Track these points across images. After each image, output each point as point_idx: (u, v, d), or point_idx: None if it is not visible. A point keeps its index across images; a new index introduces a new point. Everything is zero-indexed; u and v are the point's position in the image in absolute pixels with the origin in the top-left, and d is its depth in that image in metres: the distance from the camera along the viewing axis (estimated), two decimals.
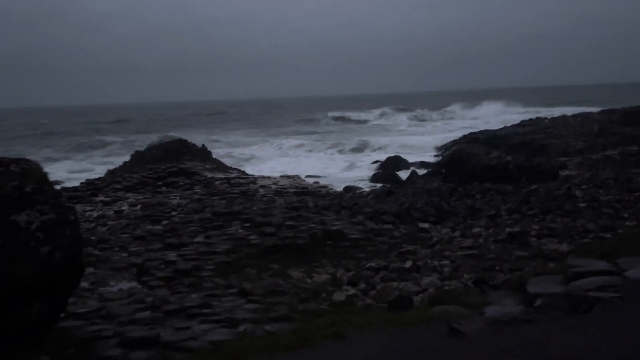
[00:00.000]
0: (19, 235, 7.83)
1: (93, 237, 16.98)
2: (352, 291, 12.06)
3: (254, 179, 27.65)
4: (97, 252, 15.59)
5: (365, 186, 28.63)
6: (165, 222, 19.04)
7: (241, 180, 27.08)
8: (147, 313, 10.48)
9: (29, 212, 8.00)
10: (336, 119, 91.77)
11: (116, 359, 7.76)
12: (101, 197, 23.93)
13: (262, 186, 25.65)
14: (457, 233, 17.27)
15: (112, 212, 21.29)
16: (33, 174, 8.53)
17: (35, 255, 7.86)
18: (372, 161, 39.15)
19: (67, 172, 38.19)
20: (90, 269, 13.54)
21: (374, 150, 46.93)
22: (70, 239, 8.28)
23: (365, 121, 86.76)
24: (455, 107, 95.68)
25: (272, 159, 44.54)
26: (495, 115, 75.95)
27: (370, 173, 33.95)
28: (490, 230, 17.37)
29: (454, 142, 43.54)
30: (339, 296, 11.64)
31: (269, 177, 28.70)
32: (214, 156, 34.32)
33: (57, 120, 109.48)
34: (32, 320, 8.06)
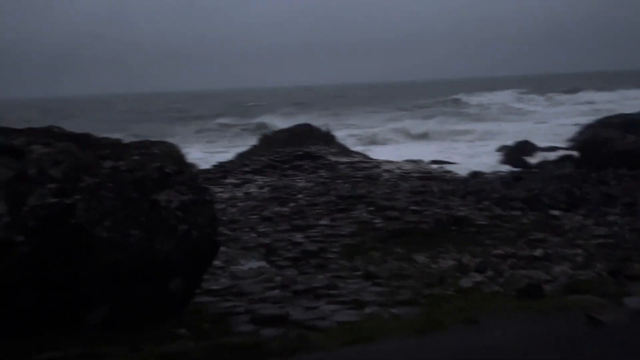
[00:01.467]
0: (159, 214, 8.26)
1: (224, 218, 17.63)
2: (479, 278, 11.87)
3: (377, 163, 27.67)
4: (228, 232, 16.19)
5: (492, 172, 27.91)
6: (292, 204, 19.48)
7: (365, 164, 27.18)
8: (276, 292, 10.81)
9: (168, 192, 8.42)
10: (454, 101, 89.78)
11: (248, 335, 8.03)
12: (231, 180, 24.78)
13: (385, 170, 25.63)
14: (590, 221, 16.57)
15: (241, 194, 22.02)
16: (172, 155, 8.96)
17: (174, 233, 8.27)
18: (498, 146, 38.09)
19: (201, 153, 39.66)
20: (222, 248, 14.08)
21: (500, 134, 45.63)
22: (206, 218, 8.65)
23: (489, 105, 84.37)
24: (586, 92, 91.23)
25: (395, 143, 44.33)
26: (633, 99, 71.77)
27: (497, 158, 33.07)
28: (627, 218, 16.52)
29: (588, 126, 41.54)
30: (465, 282, 11.49)
31: (392, 162, 28.61)
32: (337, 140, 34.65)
33: (200, 104, 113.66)
34: (171, 295, 8.51)
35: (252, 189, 22.83)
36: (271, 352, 5.19)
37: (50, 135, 8.67)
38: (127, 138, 10.94)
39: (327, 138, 33.36)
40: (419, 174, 25.14)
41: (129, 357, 6.53)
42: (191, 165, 9.33)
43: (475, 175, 26.59)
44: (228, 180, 24.66)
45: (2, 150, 7.94)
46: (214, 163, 29.40)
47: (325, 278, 11.85)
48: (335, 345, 5.42)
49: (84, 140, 8.82)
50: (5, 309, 7.62)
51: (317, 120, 39.77)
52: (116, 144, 9.16)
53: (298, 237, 15.45)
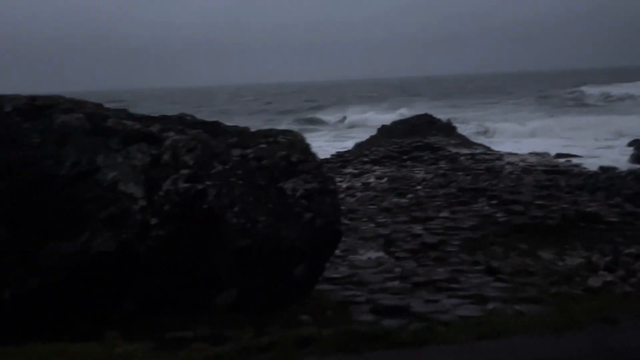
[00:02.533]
0: (285, 202, 8.43)
1: (343, 207, 17.74)
2: (609, 277, 11.31)
3: (499, 155, 26.94)
4: (347, 221, 16.28)
5: (624, 166, 26.50)
6: (410, 195, 19.33)
7: (486, 157, 26.54)
8: (396, 283, 10.77)
9: (294, 180, 8.57)
10: (577, 93, 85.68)
11: (369, 324, 8.06)
12: (350, 169, 24.92)
13: (508, 163, 24.92)
14: None
15: (360, 184, 22.09)
16: (298, 145, 9.11)
17: (299, 221, 8.41)
18: (630, 140, 36.08)
19: (322, 142, 40.06)
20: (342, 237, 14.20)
21: (633, 128, 43.19)
22: (330, 206, 8.74)
23: (618, 97, 79.93)
24: None
25: (517, 136, 43.02)
26: None
27: (630, 153, 31.36)
28: None
29: None
30: (594, 281, 10.98)
31: (515, 154, 27.78)
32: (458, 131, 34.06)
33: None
34: (295, 282, 8.67)
35: (371, 180, 22.84)
36: (400, 342, 5.17)
37: (183, 122, 9.03)
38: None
39: (447, 129, 32.86)
40: (544, 168, 24.26)
41: (255, 340, 6.70)
42: (316, 155, 9.44)
43: (605, 170, 25.34)
44: (347, 170, 24.81)
45: (140, 136, 8.35)
46: (332, 153, 29.66)
47: (446, 271, 11.68)
48: (463, 339, 5.33)
49: (214, 128, 9.12)
50: (141, 290, 8.03)
51: (435, 111, 39.23)
52: (244, 132, 9.41)
53: (417, 228, 15.30)
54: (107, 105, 9.19)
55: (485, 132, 44.64)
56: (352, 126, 55.84)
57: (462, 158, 26.07)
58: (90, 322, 7.79)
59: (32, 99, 8.62)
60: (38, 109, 8.39)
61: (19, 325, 7.74)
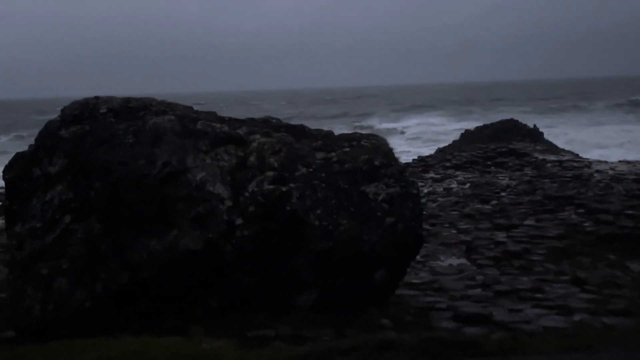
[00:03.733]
0: (367, 205, 8.46)
1: (424, 212, 17.59)
2: None
3: (588, 163, 26.10)
4: (428, 227, 16.13)
5: None
6: (494, 202, 18.97)
7: (574, 164, 25.76)
8: (478, 290, 10.60)
9: (376, 184, 8.59)
10: None
11: (451, 331, 7.98)
12: (431, 174, 24.69)
13: (597, 171, 24.09)
14: None
15: (441, 189, 21.85)
16: (381, 148, 9.12)
17: (381, 225, 8.42)
18: None
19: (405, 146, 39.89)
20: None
21: None
22: (412, 211, 8.71)
23: None
24: None
25: (607, 143, 41.57)
26: None
27: None
28: None
29: None
30: None
31: (605, 162, 26.85)
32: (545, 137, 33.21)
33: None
34: (375, 286, 8.68)
35: (453, 185, 22.56)
36: (485, 351, 5.11)
37: (268, 125, 9.20)
38: None
39: (533, 134, 32.09)
40: (635, 176, 23.33)
41: (336, 342, 6.76)
42: (399, 159, 9.43)
43: None
44: (429, 175, 24.59)
45: (228, 138, 8.56)
46: (414, 157, 29.48)
47: (530, 280, 11.41)
48: (550, 351, 5.21)
49: (298, 131, 9.25)
50: (224, 288, 8.23)
51: (519, 117, 38.36)
52: (328, 135, 9.51)
53: (500, 236, 15.00)
54: (196, 108, 9.45)
55: (572, 139, 43.34)
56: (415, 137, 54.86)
57: (548, 165, 25.40)
58: (175, 317, 8.04)
59: (126, 100, 8.97)
60: (131, 111, 8.72)
61: (109, 318, 8.07)
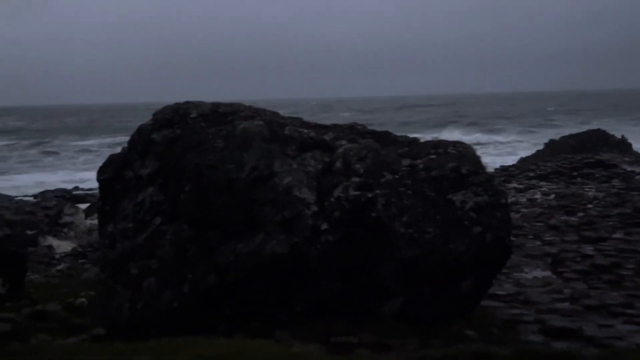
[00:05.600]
0: (454, 214, 8.32)
1: None
2: None
3: None
4: (511, 238, 15.76)
5: None
6: (580, 214, 18.38)
7: None
8: (566, 304, 10.27)
9: (464, 193, 8.44)
10: None
11: (538, 345, 7.76)
12: (514, 184, 24.14)
13: None
14: None
15: (525, 200, 21.34)
16: (468, 156, 8.97)
17: (468, 234, 8.27)
18: None
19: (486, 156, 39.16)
20: None
21: None
22: (500, 221, 8.52)
23: None
24: None
25: None
26: None
27: None
28: None
29: None
30: None
31: None
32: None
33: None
34: (461, 296, 8.52)
35: (537, 196, 21.98)
36: None
37: (354, 132, 9.20)
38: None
39: (621, 145, 30.95)
40: None
41: (424, 351, 6.68)
42: (486, 167, 9.25)
43: None
44: (511, 185, 24.04)
45: (314, 144, 8.61)
46: (496, 167, 28.91)
47: (620, 295, 10.98)
48: None
49: (384, 138, 9.21)
50: (309, 293, 8.25)
51: (605, 127, 37.01)
52: (414, 142, 9.42)
53: (588, 249, 14.52)
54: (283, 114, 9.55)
55: None
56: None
57: (638, 177, 24.45)
58: (260, 320, 8.12)
59: (216, 105, 9.15)
60: (221, 116, 8.89)
61: (196, 320, 8.23)
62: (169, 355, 5.33)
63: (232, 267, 8.01)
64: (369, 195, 8.20)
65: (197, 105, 9.28)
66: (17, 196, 35.67)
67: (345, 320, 8.13)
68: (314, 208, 8.16)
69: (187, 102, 9.41)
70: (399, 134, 9.90)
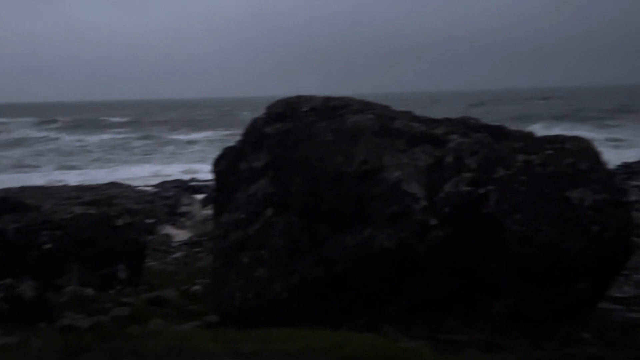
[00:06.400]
0: (571, 212, 7.99)
1: None
2: None
3: None
4: (633, 238, 14.99)
5: None
6: None
7: None
8: None
9: (582, 190, 8.09)
10: None
11: None
12: (637, 182, 22.99)
13: None
14: None
15: None
16: (587, 152, 8.59)
17: (585, 233, 7.92)
18: None
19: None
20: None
21: None
22: (620, 220, 8.12)
23: None
24: None
25: None
26: None
27: None
28: None
29: None
30: None
31: None
32: None
33: None
34: (576, 297, 8.19)
35: None
36: None
37: (466, 126, 9.02)
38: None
39: None
40: None
41: (531, 352, 6.48)
42: (607, 164, 8.83)
43: None
44: (634, 183, 22.87)
45: (425, 138, 8.51)
46: (617, 163, 27.55)
47: None
48: None
49: (498, 132, 8.98)
50: (416, 288, 8.19)
51: None
52: (529, 137, 9.13)
53: None
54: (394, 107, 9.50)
55: None
56: None
57: None
58: (366, 314, 8.13)
59: (326, 99, 9.23)
60: (331, 109, 8.96)
61: (304, 310, 8.34)
62: (276, 344, 5.44)
63: (340, 260, 8.06)
64: (481, 191, 8.03)
65: (309, 99, 9.39)
66: (137, 186, 37.44)
67: (453, 317, 8.01)
68: (424, 203, 8.07)
69: (299, 96, 9.54)
70: (513, 128, 9.63)
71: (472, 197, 7.99)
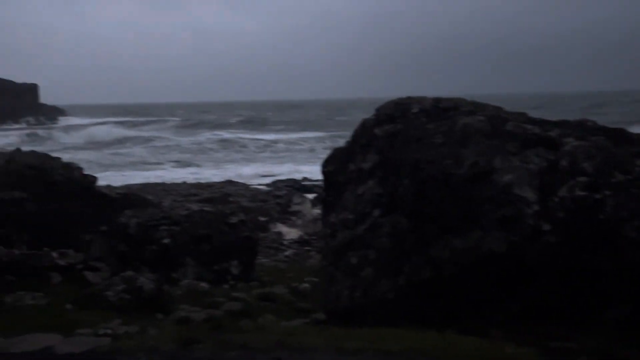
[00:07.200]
0: None
1: None
2: None
3: None
4: None
5: None
6: None
7: None
8: None
9: None
10: None
11: None
12: None
13: None
14: None
15: None
16: None
17: None
18: None
19: None
20: None
21: None
22: None
23: None
24: None
25: None
26: None
27: None
28: None
29: None
30: None
31: None
32: None
33: None
34: None
35: None
36: None
37: (583, 128, 8.72)
38: None
39: None
40: None
41: None
42: None
43: None
44: None
45: (538, 141, 8.29)
46: None
47: None
48: None
49: (617, 136, 8.62)
50: (526, 294, 7.99)
51: None
52: None
53: None
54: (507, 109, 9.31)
55: None
56: None
57: None
58: (473, 318, 8.02)
59: (437, 101, 9.18)
60: (442, 111, 8.90)
61: (409, 311, 8.34)
62: (380, 343, 5.49)
63: (447, 262, 8.00)
64: (597, 196, 7.73)
65: (419, 100, 9.37)
66: (251, 184, 38.48)
67: (564, 324, 7.76)
68: (536, 207, 7.87)
69: (409, 98, 9.54)
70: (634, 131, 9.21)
71: (587, 203, 7.71)
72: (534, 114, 9.44)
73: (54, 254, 14.29)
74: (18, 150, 19.38)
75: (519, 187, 7.94)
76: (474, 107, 8.91)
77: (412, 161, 8.53)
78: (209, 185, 37.27)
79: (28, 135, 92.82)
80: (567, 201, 7.77)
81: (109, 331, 8.49)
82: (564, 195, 7.84)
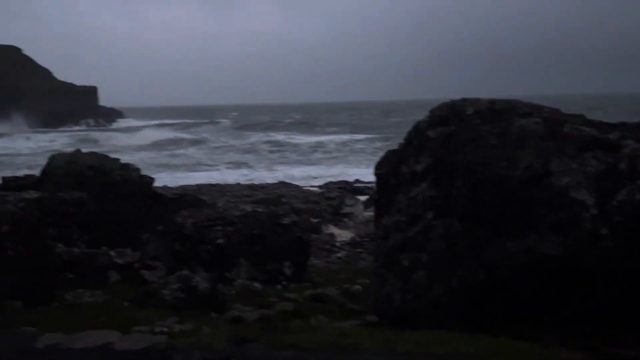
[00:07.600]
0: None
1: None
2: None
3: None
4: None
5: None
6: None
7: None
8: None
9: None
10: None
11: None
12: None
13: None
14: None
15: None
16: None
17: None
18: None
19: None
20: None
21: None
22: None
23: None
24: None
25: None
26: None
27: None
28: None
29: None
30: None
31: None
32: None
33: None
34: None
35: None
36: None
37: None
38: None
39: None
40: None
41: None
42: None
43: None
44: None
45: (596, 143, 8.13)
46: None
47: None
48: None
49: None
50: (581, 299, 7.85)
51: None
52: None
53: None
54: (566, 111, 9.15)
55: None
56: None
57: None
58: (527, 322, 7.91)
59: (492, 102, 9.08)
60: (497, 113, 8.80)
61: (462, 315, 8.27)
62: (431, 346, 5.46)
63: (500, 266, 7.90)
64: None
65: (474, 102, 9.28)
66: (304, 186, 38.67)
67: (621, 330, 7.59)
68: (593, 211, 7.71)
69: (464, 99, 9.46)
70: None
71: None
72: (590, 115, 9.25)
73: (112, 253, 14.68)
74: (78, 151, 19.92)
75: (576, 191, 7.80)
76: (530, 109, 8.78)
77: (465, 163, 8.46)
78: (263, 187, 37.66)
79: (86, 136, 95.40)
80: (626, 205, 7.59)
81: (165, 329, 8.68)
82: (623, 199, 7.66)
